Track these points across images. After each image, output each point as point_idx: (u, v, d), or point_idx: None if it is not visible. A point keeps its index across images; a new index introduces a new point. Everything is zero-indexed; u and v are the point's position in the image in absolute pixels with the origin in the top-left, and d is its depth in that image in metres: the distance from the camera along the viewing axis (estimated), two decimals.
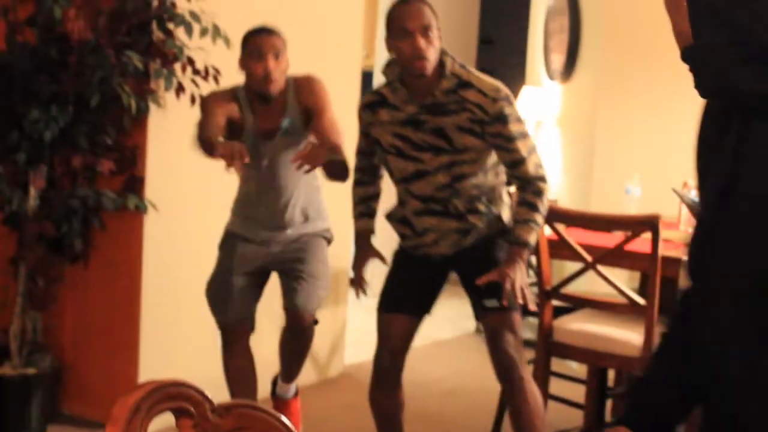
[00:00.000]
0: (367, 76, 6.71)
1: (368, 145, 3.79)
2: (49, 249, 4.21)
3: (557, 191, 5.94)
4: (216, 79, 4.15)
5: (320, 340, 5.28)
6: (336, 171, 3.85)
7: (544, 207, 3.57)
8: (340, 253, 5.31)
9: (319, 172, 3.82)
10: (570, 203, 5.65)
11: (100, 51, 3.93)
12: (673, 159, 5.42)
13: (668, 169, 5.35)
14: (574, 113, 5.96)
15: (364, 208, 3.90)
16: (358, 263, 3.89)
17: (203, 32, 4.06)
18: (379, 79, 7.41)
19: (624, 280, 4.79)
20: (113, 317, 4.41)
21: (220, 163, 3.88)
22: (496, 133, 3.51)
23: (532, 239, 3.54)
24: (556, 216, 4.05)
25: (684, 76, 5.75)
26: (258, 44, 3.73)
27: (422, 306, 3.78)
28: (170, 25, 4.07)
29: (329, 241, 4.09)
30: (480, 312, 3.67)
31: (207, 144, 3.66)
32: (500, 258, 3.60)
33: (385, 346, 3.76)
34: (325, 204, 4.08)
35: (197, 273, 4.02)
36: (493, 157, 3.59)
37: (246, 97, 3.83)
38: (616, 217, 4.19)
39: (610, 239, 4.20)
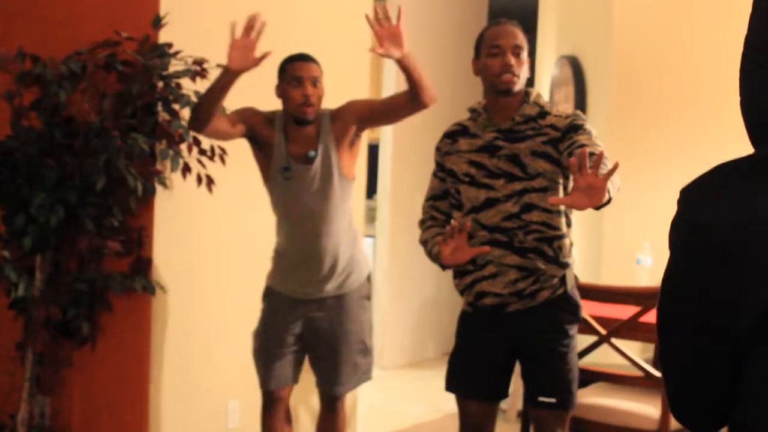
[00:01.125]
0: (372, 149, 6.72)
1: (441, 181, 3.70)
2: (56, 333, 4.18)
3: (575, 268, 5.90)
4: (222, 159, 4.14)
5: None
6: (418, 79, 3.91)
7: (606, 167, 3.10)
8: None
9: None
10: (580, 275, 5.59)
11: (106, 134, 3.93)
12: None
13: None
14: None
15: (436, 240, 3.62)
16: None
17: None
18: (385, 151, 7.44)
19: (637, 352, 4.74)
20: (122, 400, 4.35)
21: (228, 242, 3.87)
22: (570, 143, 3.42)
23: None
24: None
25: (690, 145, 5.77)
26: (296, 70, 3.86)
27: (499, 391, 3.72)
28: (175, 106, 4.06)
29: (369, 295, 4.14)
30: (533, 404, 3.61)
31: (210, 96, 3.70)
32: (564, 353, 3.53)
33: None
34: (365, 252, 4.17)
35: (206, 354, 3.98)
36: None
37: (282, 121, 3.93)
38: (628, 289, 4.16)
39: (623, 311, 4.16)
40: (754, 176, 1.41)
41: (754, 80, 1.49)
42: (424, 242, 3.67)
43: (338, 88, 5.00)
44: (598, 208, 3.08)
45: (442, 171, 3.70)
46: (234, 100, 3.83)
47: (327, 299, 3.98)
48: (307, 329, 3.99)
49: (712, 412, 1.47)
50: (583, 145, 3.30)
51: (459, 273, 3.62)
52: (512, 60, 3.47)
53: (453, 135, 3.67)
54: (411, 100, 3.84)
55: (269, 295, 4.04)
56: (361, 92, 5.28)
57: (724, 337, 1.40)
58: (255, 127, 3.91)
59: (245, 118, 3.91)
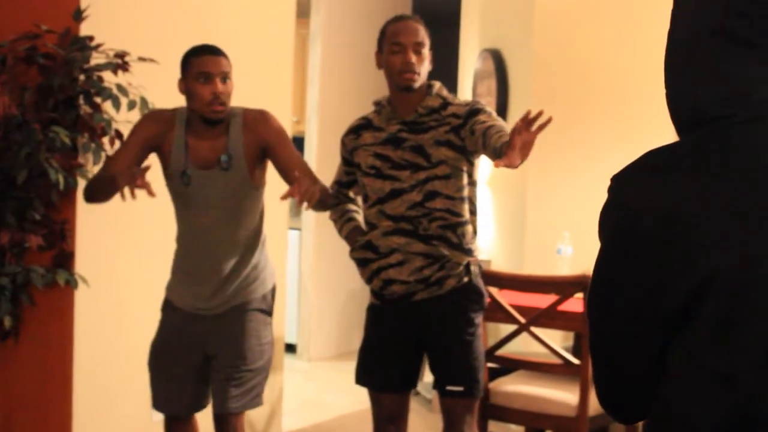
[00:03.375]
0: (297, 142, 6.74)
1: (347, 174, 3.80)
2: None
3: (490, 253, 5.99)
4: None
5: (257, 408, 5.24)
6: (325, 199, 3.66)
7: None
8: (274, 320, 5.30)
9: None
10: (503, 265, 5.70)
11: (27, 127, 3.91)
12: None
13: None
14: (505, 175, 6.03)
15: (349, 215, 3.84)
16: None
17: (131, 105, 4.05)
18: (310, 144, 7.48)
19: (558, 341, 4.84)
20: (45, 394, 4.34)
21: (150, 234, 3.87)
22: (471, 126, 3.50)
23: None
24: (488, 279, 4.09)
25: (611, 135, 5.88)
26: (204, 65, 3.56)
27: (409, 382, 3.78)
28: (97, 99, 4.05)
29: (269, 310, 3.83)
30: (441, 392, 3.68)
31: (105, 182, 3.51)
32: (469, 342, 3.60)
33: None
34: (270, 257, 3.90)
35: (130, 347, 3.98)
36: (467, 189, 3.59)
37: (184, 121, 3.67)
38: (547, 278, 4.24)
39: (544, 300, 4.25)
40: (683, 163, 1.46)
41: (678, 73, 1.53)
42: (334, 220, 3.84)
43: (259, 86, 5.03)
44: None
45: (349, 165, 3.77)
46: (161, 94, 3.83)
47: (225, 314, 3.72)
48: (205, 346, 3.75)
49: (641, 401, 1.51)
50: (484, 122, 3.42)
51: (362, 261, 3.69)
52: (413, 58, 3.53)
53: (357, 129, 3.73)
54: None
55: (167, 308, 3.83)
56: (284, 91, 5.30)
57: (655, 321, 1.44)
58: (154, 140, 3.67)
59: (141, 142, 3.66)
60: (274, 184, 3.87)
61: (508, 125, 3.63)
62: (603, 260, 1.53)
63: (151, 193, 3.36)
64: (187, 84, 3.60)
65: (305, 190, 3.29)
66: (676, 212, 1.41)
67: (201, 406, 3.86)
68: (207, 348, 3.75)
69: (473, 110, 3.56)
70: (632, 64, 5.67)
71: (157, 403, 3.82)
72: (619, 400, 1.56)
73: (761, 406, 1.39)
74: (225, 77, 3.59)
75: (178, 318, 3.78)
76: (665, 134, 5.93)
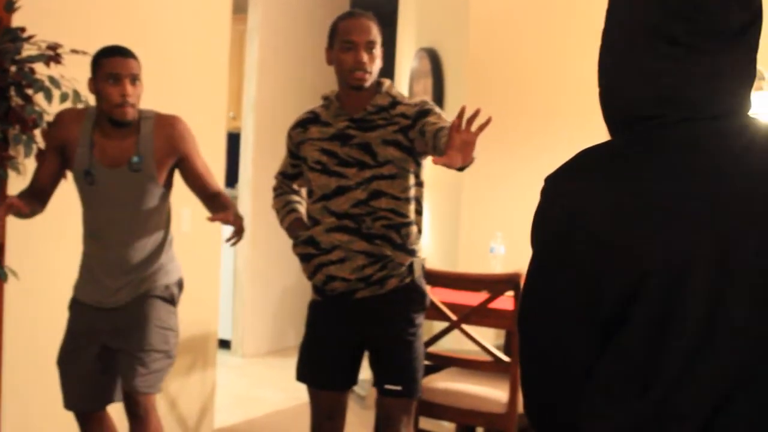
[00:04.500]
0: (233, 138, 6.72)
1: (293, 167, 3.79)
2: None
3: (425, 251, 6.00)
4: None
5: (189, 404, 5.22)
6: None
7: None
8: (208, 316, 5.28)
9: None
10: (438, 263, 5.71)
11: None
12: None
13: (530, 226, 5.46)
14: (440, 173, 6.05)
15: (291, 206, 3.83)
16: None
17: (63, 98, 4.00)
18: (246, 140, 7.44)
19: (490, 339, 4.86)
20: None
21: (80, 227, 3.84)
22: (420, 127, 3.48)
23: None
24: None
25: (545, 136, 5.91)
26: (114, 67, 3.56)
27: (349, 380, 3.78)
28: (29, 91, 4.00)
29: (172, 299, 3.82)
30: (380, 392, 3.67)
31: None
32: (409, 342, 3.60)
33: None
34: (177, 255, 3.90)
35: (60, 339, 3.93)
36: (413, 190, 3.58)
37: (92, 120, 3.67)
38: (479, 276, 4.25)
39: (476, 298, 4.27)
40: (615, 163, 1.46)
41: (611, 73, 1.54)
42: (277, 210, 3.83)
43: (195, 81, 5.00)
44: (462, 168, 3.14)
45: (295, 158, 3.76)
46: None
47: (127, 304, 3.72)
48: (110, 338, 3.74)
49: (569, 406, 1.49)
50: (434, 124, 3.41)
51: (303, 257, 3.67)
52: (365, 57, 3.50)
53: (304, 123, 3.70)
54: (209, 209, 3.72)
55: (73, 305, 3.83)
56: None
57: (590, 324, 1.44)
58: (65, 140, 3.69)
59: (55, 148, 3.70)
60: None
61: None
62: (537, 262, 1.52)
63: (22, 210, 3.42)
64: (96, 84, 3.61)
65: (238, 230, 3.55)
66: (608, 212, 1.41)
67: (111, 400, 3.85)
68: (112, 340, 3.74)
69: (423, 111, 3.54)
70: (566, 65, 5.72)
71: (68, 401, 3.81)
72: (546, 405, 1.54)
73: (680, 404, 1.40)
74: (134, 79, 3.59)
75: (83, 313, 3.79)
76: (598, 136, 5.98)
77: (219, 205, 3.63)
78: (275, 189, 3.93)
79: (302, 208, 3.85)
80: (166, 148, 3.68)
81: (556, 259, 1.48)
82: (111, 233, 3.71)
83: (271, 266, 7.49)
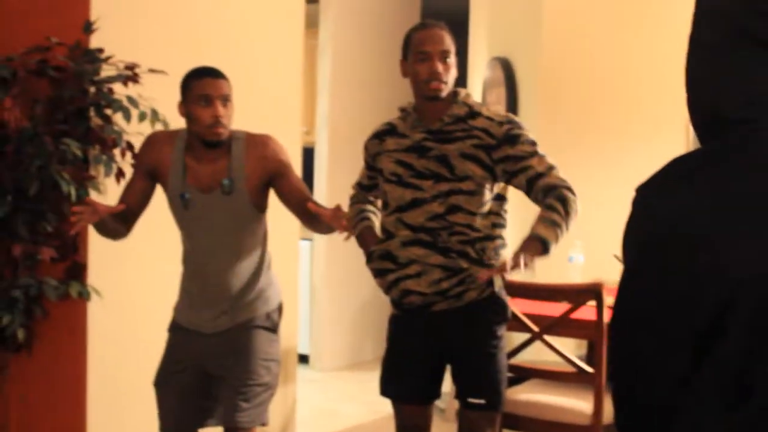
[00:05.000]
0: (307, 153, 6.74)
1: (370, 179, 3.81)
2: None
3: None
4: None
5: (271, 419, 5.23)
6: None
7: (567, 214, 3.43)
8: (287, 331, 5.30)
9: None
10: (516, 274, 5.68)
11: (38, 139, 3.92)
12: (613, 224, 5.48)
13: (609, 234, 5.40)
14: None
15: (364, 214, 3.86)
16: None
17: (142, 117, 4.06)
18: (320, 155, 7.48)
19: (571, 349, 4.82)
20: (59, 406, 4.34)
21: (163, 246, 3.87)
22: (505, 156, 3.49)
23: (549, 237, 3.39)
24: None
25: (622, 143, 5.86)
26: (205, 88, 3.51)
27: (433, 393, 3.77)
28: (108, 111, 4.06)
29: (274, 328, 3.79)
30: (463, 405, 3.65)
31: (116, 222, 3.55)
32: (492, 354, 3.59)
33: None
34: (275, 276, 3.87)
35: (144, 359, 3.98)
36: (491, 204, 3.56)
37: (184, 143, 3.64)
38: (560, 286, 4.22)
39: (556, 308, 4.24)
40: (711, 169, 1.42)
41: (699, 77, 1.50)
42: (350, 218, 3.78)
43: (269, 97, 5.03)
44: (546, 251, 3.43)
45: (371, 169, 3.77)
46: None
47: (229, 331, 3.69)
48: (209, 365, 3.72)
49: (664, 425, 1.45)
50: (528, 168, 3.48)
51: (380, 272, 3.66)
52: (440, 67, 3.48)
53: (381, 135, 3.71)
54: (306, 223, 3.66)
55: (173, 328, 3.82)
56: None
57: (686, 338, 1.39)
58: (155, 164, 3.65)
59: (144, 171, 3.66)
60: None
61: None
62: (631, 272, 1.46)
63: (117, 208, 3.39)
64: (187, 107, 3.57)
65: (340, 216, 3.29)
66: (705, 219, 1.37)
67: (206, 425, 3.82)
68: (212, 366, 3.73)
69: (511, 136, 3.51)
70: (641, 70, 5.67)
71: (165, 423, 3.79)
72: (639, 417, 1.49)
73: None
74: (225, 100, 3.55)
75: (183, 337, 3.77)
76: (676, 141, 5.93)
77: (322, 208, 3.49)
78: (351, 198, 3.95)
79: (375, 218, 3.86)
80: (259, 167, 3.62)
81: (652, 269, 1.44)
82: (208, 258, 3.67)
83: (347, 280, 7.51)
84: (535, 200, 3.54)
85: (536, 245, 3.39)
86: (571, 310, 4.04)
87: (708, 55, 1.51)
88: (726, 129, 1.48)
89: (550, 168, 3.54)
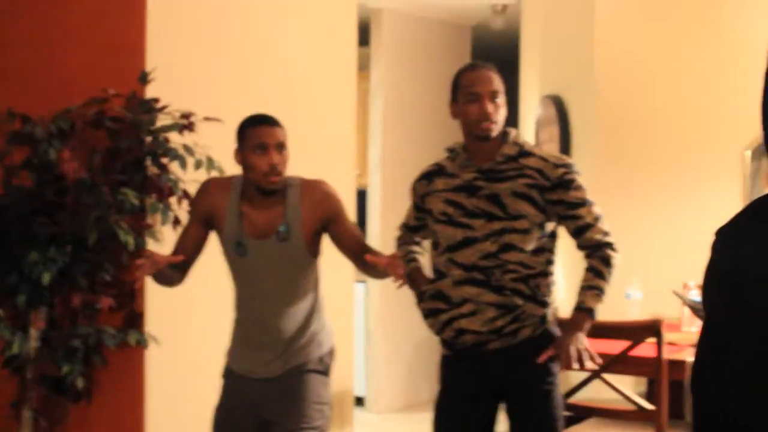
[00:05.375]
0: (360, 195, 6.79)
1: (417, 220, 3.82)
2: (51, 389, 4.19)
3: (560, 302, 5.97)
4: None
5: None
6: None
7: (610, 275, 3.59)
8: (343, 373, 5.31)
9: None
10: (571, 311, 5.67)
11: (96, 190, 3.98)
12: (670, 260, 5.47)
13: (667, 270, 5.39)
14: None
15: (411, 255, 3.88)
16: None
17: (197, 165, 4.10)
18: (373, 197, 7.52)
19: (630, 386, 4.79)
20: None
21: (219, 292, 3.91)
22: (558, 200, 3.53)
23: (594, 305, 3.55)
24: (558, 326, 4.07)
25: (678, 179, 5.83)
26: (260, 137, 3.54)
27: None
28: (164, 160, 4.11)
29: (326, 371, 3.80)
30: None
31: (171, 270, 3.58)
32: (548, 391, 3.59)
33: None
34: (328, 320, 3.88)
35: (201, 406, 4.01)
36: (543, 241, 3.58)
37: (240, 189, 3.65)
38: (618, 324, 4.21)
39: (614, 346, 4.22)
40: None
41: None
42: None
43: (322, 140, 5.08)
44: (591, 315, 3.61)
45: (419, 210, 3.78)
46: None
47: (281, 377, 3.69)
48: (263, 410, 3.71)
49: None
50: (579, 217, 3.56)
51: (432, 312, 3.66)
52: (490, 107, 3.50)
53: (429, 176, 3.73)
54: (361, 268, 3.68)
55: (226, 374, 3.81)
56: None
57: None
58: (211, 211, 3.68)
59: (200, 217, 3.69)
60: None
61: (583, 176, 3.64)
62: (710, 325, 1.43)
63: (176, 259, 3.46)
64: (243, 155, 3.59)
65: (389, 264, 3.32)
66: None
67: None
68: (265, 411, 3.72)
69: (565, 181, 3.54)
70: (697, 104, 5.66)
71: None
72: None
73: None
74: (281, 147, 3.57)
75: (236, 383, 3.78)
76: (733, 176, 5.89)
77: (375, 253, 3.54)
78: (398, 239, 3.97)
79: (422, 259, 3.87)
80: (314, 213, 3.64)
81: (732, 319, 1.39)
82: (262, 304, 3.69)
83: (402, 321, 7.51)
84: (579, 248, 3.64)
85: (585, 318, 3.56)
86: (631, 348, 4.03)
87: None
88: None
89: (597, 219, 3.59)
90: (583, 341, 3.49)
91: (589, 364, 3.49)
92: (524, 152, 3.59)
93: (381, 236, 7.38)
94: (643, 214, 5.60)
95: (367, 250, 3.62)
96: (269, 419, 3.73)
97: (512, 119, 6.80)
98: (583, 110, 5.82)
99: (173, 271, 3.61)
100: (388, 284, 7.22)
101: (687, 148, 5.64)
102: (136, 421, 4.33)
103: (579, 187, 3.56)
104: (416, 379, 7.72)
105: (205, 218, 3.71)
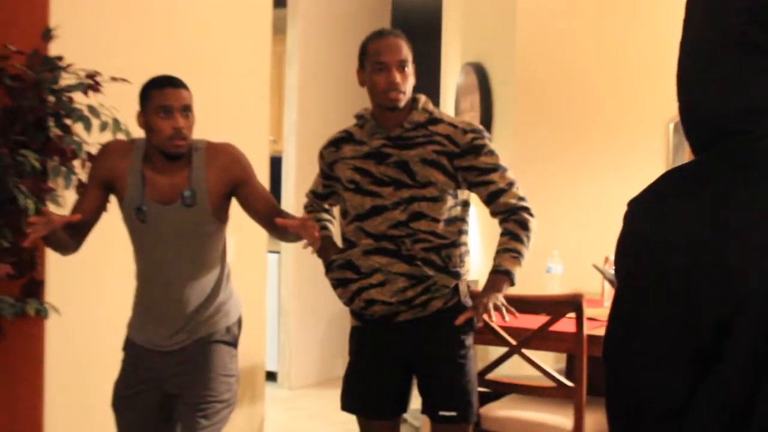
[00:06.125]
0: (274, 162, 6.72)
1: (325, 187, 3.81)
2: None
3: (477, 272, 5.97)
4: None
5: None
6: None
7: (528, 239, 3.56)
8: (255, 347, 5.26)
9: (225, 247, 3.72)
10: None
11: None
12: (592, 234, 5.50)
13: (588, 244, 5.42)
14: None
15: (322, 224, 3.84)
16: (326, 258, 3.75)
17: (103, 127, 4.02)
18: (288, 164, 7.45)
19: (550, 362, 4.81)
20: (16, 428, 4.29)
21: (125, 260, 3.83)
22: (468, 166, 3.52)
23: (512, 268, 3.52)
24: (475, 299, 4.06)
25: (600, 151, 5.87)
26: (165, 99, 3.49)
27: (400, 407, 3.75)
28: (68, 121, 4.02)
29: (234, 342, 3.77)
30: (433, 419, 3.63)
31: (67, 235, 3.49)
32: (461, 364, 3.58)
33: None
34: (235, 289, 3.84)
35: (103, 380, 3.93)
36: (455, 210, 3.57)
37: (142, 154, 3.59)
38: (538, 298, 4.21)
39: (534, 320, 4.22)
40: (706, 184, 1.39)
41: (692, 86, 1.47)
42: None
43: (235, 105, 5.01)
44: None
45: (327, 178, 3.76)
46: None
47: (187, 348, 3.66)
48: (168, 383, 3.68)
49: None
50: (490, 182, 3.54)
51: (341, 282, 3.65)
52: (397, 77, 3.51)
53: (337, 142, 3.71)
54: (273, 233, 3.66)
55: (128, 347, 3.76)
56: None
57: (683, 361, 1.37)
58: (111, 174, 3.61)
59: (99, 182, 3.61)
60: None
61: (498, 150, 3.61)
62: (623, 295, 1.44)
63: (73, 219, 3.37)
64: (146, 117, 3.53)
65: (309, 226, 3.29)
66: (700, 237, 1.35)
67: None
68: (169, 385, 3.69)
69: (475, 146, 3.54)
70: (622, 77, 5.68)
71: None
72: None
73: None
74: (186, 110, 3.52)
75: (138, 355, 3.73)
76: (657, 150, 5.94)
77: (287, 216, 3.52)
78: (306, 207, 3.96)
79: (333, 227, 3.87)
80: (221, 177, 3.60)
81: (647, 288, 1.40)
82: (166, 273, 3.63)
83: (316, 294, 7.47)
84: (493, 214, 3.63)
85: (503, 280, 3.52)
86: (550, 323, 4.04)
87: (700, 63, 1.48)
88: (721, 140, 1.45)
89: (511, 184, 3.59)
90: (501, 299, 3.47)
91: (507, 318, 3.45)
92: (433, 119, 3.60)
93: (296, 205, 7.31)
94: (564, 187, 5.61)
95: (280, 213, 3.59)
96: (173, 392, 3.69)
97: (433, 87, 6.80)
98: (505, 78, 5.82)
99: (68, 237, 3.52)
100: (303, 254, 7.19)
101: (610, 120, 5.66)
102: (34, 398, 4.23)
103: (490, 152, 3.56)
104: (330, 354, 7.69)
105: (104, 182, 3.64)
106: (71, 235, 3.55)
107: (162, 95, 3.50)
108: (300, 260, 7.34)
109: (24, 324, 4.15)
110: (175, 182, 3.59)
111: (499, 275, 3.52)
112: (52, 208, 4.03)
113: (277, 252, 7.47)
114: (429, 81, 6.98)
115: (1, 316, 4.06)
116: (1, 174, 3.86)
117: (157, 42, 4.66)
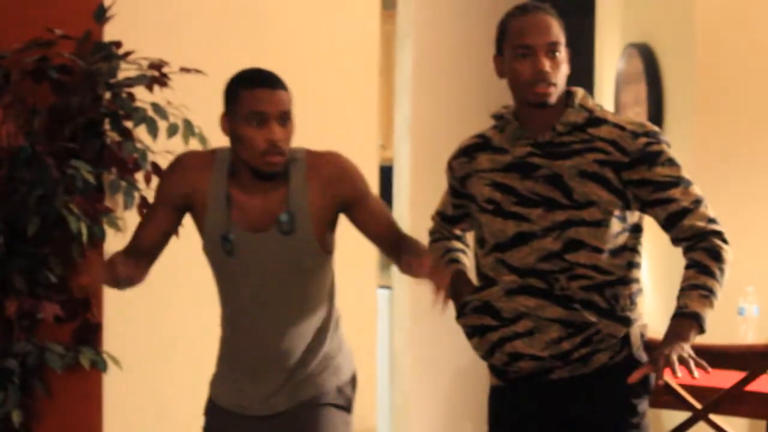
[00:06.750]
0: (386, 172, 6.74)
1: (456, 208, 3.79)
2: None
3: (652, 316, 5.91)
4: None
5: None
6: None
7: (722, 273, 3.46)
8: (363, 410, 5.26)
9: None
10: (663, 330, 5.61)
11: (38, 162, 3.96)
12: None
13: None
14: None
15: (451, 255, 3.83)
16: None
17: (172, 130, 4.09)
18: (400, 174, 7.46)
19: (744, 431, 4.74)
20: None
21: (200, 300, 3.86)
22: (640, 180, 3.45)
23: (702, 310, 3.41)
24: (645, 350, 4.02)
25: None
26: (258, 103, 3.38)
27: None
28: (128, 124, 4.10)
29: (347, 405, 3.75)
30: None
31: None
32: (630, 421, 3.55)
33: None
34: (345, 338, 3.81)
35: None
36: (623, 237, 3.51)
37: (227, 169, 3.53)
38: (728, 348, 4.17)
39: (723, 377, 4.16)
40: None
41: None
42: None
43: (336, 103, 5.03)
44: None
45: (458, 196, 3.73)
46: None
47: (288, 413, 3.65)
48: None
49: None
50: (670, 200, 3.44)
51: (476, 330, 3.60)
52: (547, 64, 3.42)
53: (470, 150, 3.66)
54: (397, 263, 3.58)
55: (210, 410, 3.75)
56: (368, 109, 5.29)
57: None
58: (186, 196, 3.56)
59: (169, 205, 3.58)
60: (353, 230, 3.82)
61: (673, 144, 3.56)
62: None
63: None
64: (233, 124, 3.45)
65: (437, 273, 3.29)
66: None
67: None
68: None
69: (649, 153, 3.46)
70: None
71: None
72: None
73: None
74: (285, 118, 3.43)
75: (223, 422, 3.73)
76: None
77: (412, 251, 3.45)
78: (431, 233, 3.94)
79: (466, 259, 3.84)
80: (326, 195, 3.54)
81: None
82: (258, 318, 3.61)
83: (438, 340, 7.45)
84: (675, 241, 3.53)
85: (690, 325, 3.41)
86: (746, 381, 3.97)
87: None
88: None
89: (698, 202, 3.50)
90: (688, 350, 3.35)
91: (696, 375, 3.31)
92: (594, 119, 3.53)
93: (410, 224, 7.30)
94: (761, 205, 5.52)
95: (402, 238, 3.56)
96: None
97: (587, 75, 6.75)
98: (680, 64, 5.77)
99: (131, 268, 3.50)
100: (419, 290, 7.19)
101: None
102: None
103: (669, 162, 3.48)
104: (456, 416, 7.69)
105: (177, 205, 3.60)
106: (134, 265, 3.54)
107: (254, 98, 3.42)
108: (416, 297, 7.32)
109: (76, 378, 4.24)
110: (269, 204, 3.54)
111: (686, 319, 3.41)
112: (110, 234, 4.09)
113: (388, 287, 7.47)
114: (580, 67, 6.94)
115: (48, 368, 4.13)
116: (47, 190, 3.94)
117: (238, 23, 4.70)
